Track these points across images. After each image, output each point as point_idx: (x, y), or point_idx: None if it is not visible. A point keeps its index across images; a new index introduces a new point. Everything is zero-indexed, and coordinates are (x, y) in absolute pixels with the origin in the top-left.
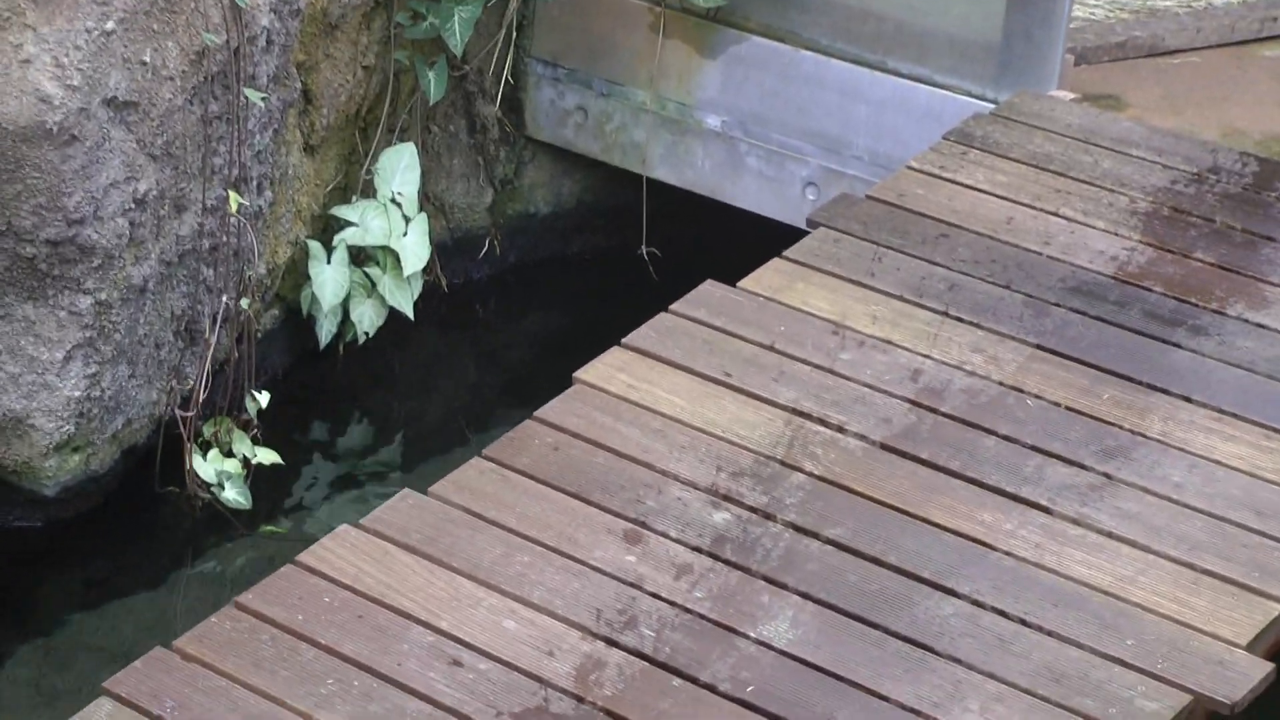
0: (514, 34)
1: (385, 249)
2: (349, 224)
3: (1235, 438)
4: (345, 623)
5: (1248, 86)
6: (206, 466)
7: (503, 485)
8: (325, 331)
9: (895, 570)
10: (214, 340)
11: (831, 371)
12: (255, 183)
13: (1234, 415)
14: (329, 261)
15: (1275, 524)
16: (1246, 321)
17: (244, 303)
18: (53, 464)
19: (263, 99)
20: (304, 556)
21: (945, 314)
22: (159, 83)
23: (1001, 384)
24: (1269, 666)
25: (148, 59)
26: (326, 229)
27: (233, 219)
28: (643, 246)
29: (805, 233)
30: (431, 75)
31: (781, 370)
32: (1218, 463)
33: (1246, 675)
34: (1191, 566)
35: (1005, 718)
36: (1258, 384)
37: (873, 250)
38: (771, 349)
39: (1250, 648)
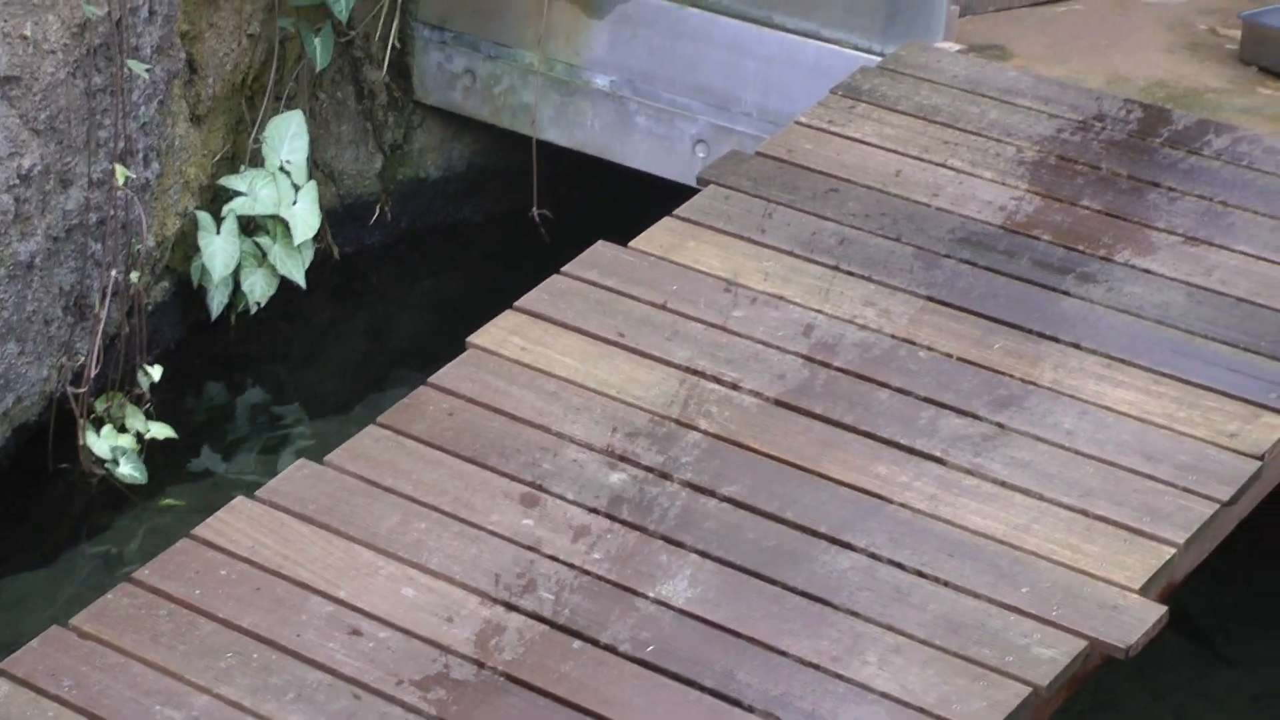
0: None
1: (275, 218)
2: (238, 194)
3: (1124, 383)
4: (243, 595)
5: (1131, 33)
6: (100, 442)
7: (399, 452)
8: (217, 303)
9: (792, 526)
10: (104, 315)
11: (724, 329)
12: (142, 155)
13: (1123, 361)
14: (219, 232)
15: (1165, 468)
16: (1133, 268)
17: (134, 276)
18: None
19: (147, 70)
20: (200, 530)
21: (836, 269)
22: (40, 56)
23: (894, 337)
24: (1162, 610)
25: (28, 33)
26: (215, 199)
27: (120, 192)
28: (534, 209)
29: (696, 191)
30: (317, 42)
31: (675, 329)
32: (1108, 409)
33: (1141, 619)
34: (1084, 513)
35: (904, 669)
36: (1146, 329)
37: (763, 206)
38: (664, 308)
39: (1144, 591)
